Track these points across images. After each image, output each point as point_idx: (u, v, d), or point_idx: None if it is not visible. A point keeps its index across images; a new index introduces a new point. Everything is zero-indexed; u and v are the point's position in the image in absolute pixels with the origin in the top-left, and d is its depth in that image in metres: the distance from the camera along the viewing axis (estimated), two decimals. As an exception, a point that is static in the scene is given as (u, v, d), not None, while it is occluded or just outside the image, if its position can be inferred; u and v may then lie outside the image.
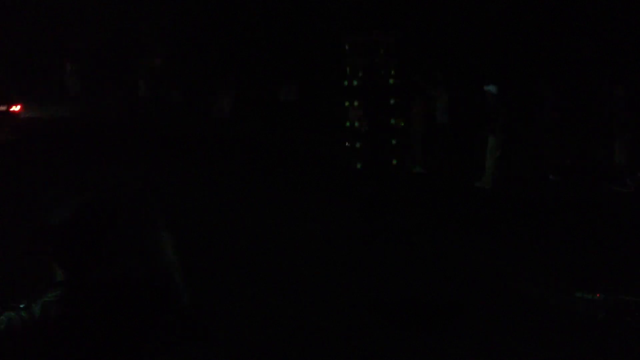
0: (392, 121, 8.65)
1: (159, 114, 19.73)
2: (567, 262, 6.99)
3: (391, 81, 8.59)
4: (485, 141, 10.66)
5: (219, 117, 18.93)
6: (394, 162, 8.72)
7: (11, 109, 16.26)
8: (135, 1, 23.31)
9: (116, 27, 24.57)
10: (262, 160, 12.82)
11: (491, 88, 10.95)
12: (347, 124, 8.59)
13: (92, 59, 25.71)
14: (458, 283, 6.43)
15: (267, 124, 17.77)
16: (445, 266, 6.93)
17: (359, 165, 8.58)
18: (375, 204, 8.53)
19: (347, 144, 8.65)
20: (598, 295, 5.37)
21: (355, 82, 8.40)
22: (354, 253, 7.31)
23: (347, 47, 8.36)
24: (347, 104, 8.50)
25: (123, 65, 25.27)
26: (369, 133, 8.55)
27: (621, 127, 10.56)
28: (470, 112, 12.27)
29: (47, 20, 25.23)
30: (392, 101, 8.62)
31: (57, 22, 25.40)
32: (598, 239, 7.89)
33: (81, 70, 25.87)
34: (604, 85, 11.15)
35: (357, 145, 8.54)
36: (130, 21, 24.12)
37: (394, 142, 8.68)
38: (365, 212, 8.22)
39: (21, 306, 1.92)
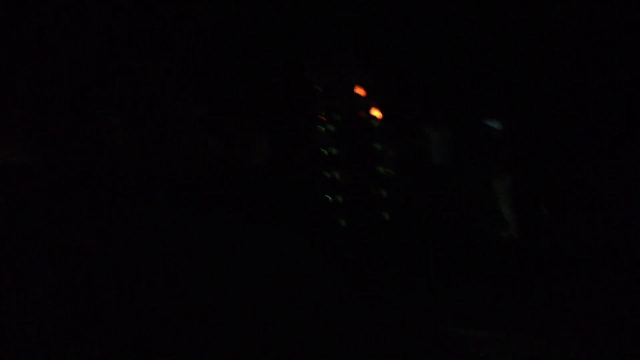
0: (381, 170, 7.46)
1: (194, 162, 19.49)
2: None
3: (375, 124, 7.45)
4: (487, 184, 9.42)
5: (254, 163, 18.19)
6: (386, 217, 7.48)
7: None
8: (172, 49, 23.35)
9: (156, 76, 24.64)
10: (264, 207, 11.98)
11: (493, 123, 9.75)
12: (327, 174, 7.42)
13: (135, 108, 26.09)
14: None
15: (299, 168, 17.02)
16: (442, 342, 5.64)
17: (342, 222, 7.35)
18: (364, 269, 7.29)
19: (328, 197, 7.46)
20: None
21: (331, 128, 7.28)
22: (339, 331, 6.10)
23: (319, 89, 7.28)
24: (324, 152, 7.36)
25: (165, 114, 25.31)
26: (352, 185, 7.36)
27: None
28: (469, 151, 11.10)
29: (89, 70, 25.80)
30: (378, 147, 7.46)
31: (99, 72, 25.88)
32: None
33: (124, 120, 26.32)
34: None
35: (339, 199, 7.35)
36: (170, 69, 24.13)
37: (384, 194, 7.48)
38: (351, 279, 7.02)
39: None
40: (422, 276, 7.18)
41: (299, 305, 6.50)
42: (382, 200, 7.47)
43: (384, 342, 5.61)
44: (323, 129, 7.32)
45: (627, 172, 9.31)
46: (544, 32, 10.89)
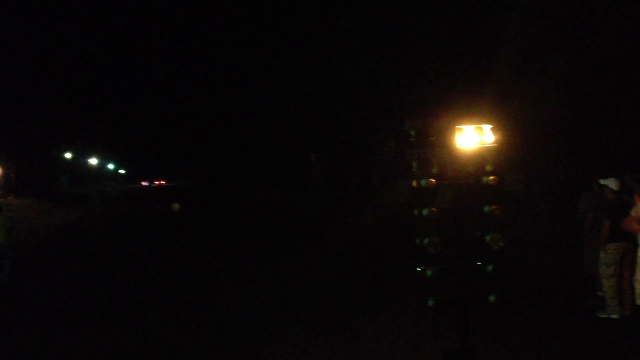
0: (487, 238, 5.89)
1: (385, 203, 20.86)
2: None
3: (485, 180, 5.87)
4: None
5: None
6: (492, 298, 5.91)
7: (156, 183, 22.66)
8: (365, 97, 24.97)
9: (356, 122, 26.61)
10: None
11: (610, 182, 8.13)
12: (417, 241, 5.98)
13: (333, 150, 29.26)
14: None
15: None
16: None
17: (430, 303, 5.89)
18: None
19: (418, 269, 6.03)
20: None
21: (423, 183, 5.81)
22: None
23: (412, 134, 5.82)
24: (415, 212, 5.93)
25: (356, 156, 27.52)
26: (445, 256, 5.87)
27: None
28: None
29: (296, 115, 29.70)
30: (486, 209, 5.89)
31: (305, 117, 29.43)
32: None
33: (324, 161, 29.73)
34: None
35: (429, 273, 5.88)
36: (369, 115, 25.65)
37: (490, 269, 5.91)
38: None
39: None
40: None
41: None
42: (488, 278, 5.90)
43: None
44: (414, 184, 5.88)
45: None
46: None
